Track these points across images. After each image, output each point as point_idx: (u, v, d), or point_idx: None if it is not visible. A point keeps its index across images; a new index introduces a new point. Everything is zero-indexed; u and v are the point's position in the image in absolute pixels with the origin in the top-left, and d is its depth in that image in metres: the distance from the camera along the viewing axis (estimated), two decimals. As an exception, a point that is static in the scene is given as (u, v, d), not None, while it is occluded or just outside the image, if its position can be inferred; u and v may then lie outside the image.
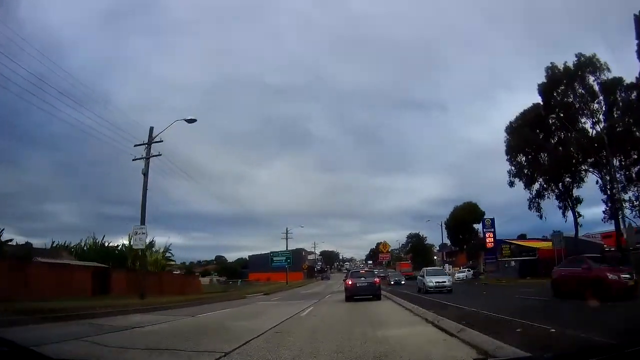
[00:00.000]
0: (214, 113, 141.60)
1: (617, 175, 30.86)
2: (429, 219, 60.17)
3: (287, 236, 55.19)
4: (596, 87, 31.66)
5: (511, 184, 34.98)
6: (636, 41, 27.19)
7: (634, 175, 30.84)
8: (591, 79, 31.65)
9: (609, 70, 31.26)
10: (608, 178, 31.50)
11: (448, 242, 62.35)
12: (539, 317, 7.67)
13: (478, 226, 47.34)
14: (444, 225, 48.63)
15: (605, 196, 32.60)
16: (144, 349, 6.02)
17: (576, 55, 32.15)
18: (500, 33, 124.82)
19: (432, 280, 24.17)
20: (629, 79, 30.51)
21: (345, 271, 76.74)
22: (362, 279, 19.99)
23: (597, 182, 33.10)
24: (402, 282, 38.63)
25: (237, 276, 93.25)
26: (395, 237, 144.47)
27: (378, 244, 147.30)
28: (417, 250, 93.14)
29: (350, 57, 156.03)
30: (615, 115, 31.13)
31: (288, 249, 60.05)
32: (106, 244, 29.17)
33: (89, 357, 5.44)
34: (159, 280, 28.29)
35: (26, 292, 15.34)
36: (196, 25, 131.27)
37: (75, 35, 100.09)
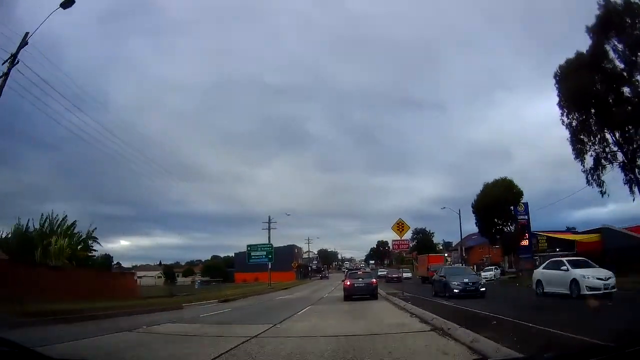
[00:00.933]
0: (214, 113, 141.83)
1: None
2: (444, 207, 51.07)
3: (269, 226, 45.89)
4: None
5: (579, 152, 24.99)
6: None
7: None
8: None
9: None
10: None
11: (469, 233, 54.25)
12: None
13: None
14: (467, 211, 40.50)
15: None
16: None
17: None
18: (500, 33, 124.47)
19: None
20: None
21: (345, 270, 73.64)
22: (360, 279, 20.70)
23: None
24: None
25: (222, 276, 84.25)
26: (394, 237, 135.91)
27: (379, 243, 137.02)
28: (424, 247, 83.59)
29: (350, 57, 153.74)
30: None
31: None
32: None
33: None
34: (65, 278, 19.18)
35: None
36: (195, 25, 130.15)
37: (73, 35, 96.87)
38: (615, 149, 24.18)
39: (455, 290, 18.12)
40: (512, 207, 33.79)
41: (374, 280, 20.79)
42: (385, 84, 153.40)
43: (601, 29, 25.16)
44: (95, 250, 25.71)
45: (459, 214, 50.39)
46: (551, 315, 10.31)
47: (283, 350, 6.30)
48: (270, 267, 44.47)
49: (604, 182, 25.14)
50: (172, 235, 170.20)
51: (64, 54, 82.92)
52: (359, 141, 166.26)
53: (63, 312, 11.41)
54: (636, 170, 24.89)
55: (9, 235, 22.57)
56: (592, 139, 24.25)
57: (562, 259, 17.50)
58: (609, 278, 14.67)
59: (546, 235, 41.34)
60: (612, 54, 24.75)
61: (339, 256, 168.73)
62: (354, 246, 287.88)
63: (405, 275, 42.27)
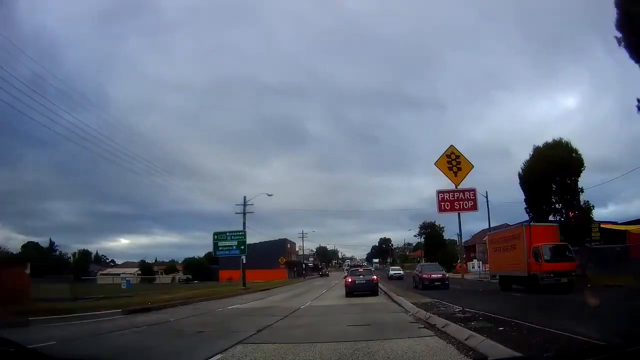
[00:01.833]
0: (211, 112, 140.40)
1: None
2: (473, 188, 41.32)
3: (244, 209, 36.44)
4: None
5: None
6: None
7: None
8: None
9: None
10: None
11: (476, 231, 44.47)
12: None
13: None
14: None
15: None
16: None
17: None
18: (498, 32, 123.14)
19: None
20: None
21: (347, 267, 70.82)
22: (361, 276, 20.73)
23: None
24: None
25: (204, 274, 75.01)
26: (394, 237, 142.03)
27: (381, 240, 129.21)
28: (433, 244, 73.94)
29: (347, 56, 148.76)
30: None
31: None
32: None
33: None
34: None
35: None
36: (191, 25, 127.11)
37: (71, 35, 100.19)
38: None
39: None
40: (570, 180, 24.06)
41: (375, 277, 21.12)
42: (384, 83, 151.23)
43: None
44: None
45: (487, 197, 41.14)
46: None
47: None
48: (244, 260, 35.20)
49: None
50: (172, 234, 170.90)
51: (64, 54, 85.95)
52: (358, 141, 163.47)
53: None
54: None
55: None
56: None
57: None
58: None
59: (599, 224, 31.92)
60: None
61: (340, 254, 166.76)
62: (354, 245, 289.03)
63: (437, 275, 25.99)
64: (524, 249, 18.70)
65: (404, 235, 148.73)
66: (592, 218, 26.29)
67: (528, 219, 25.67)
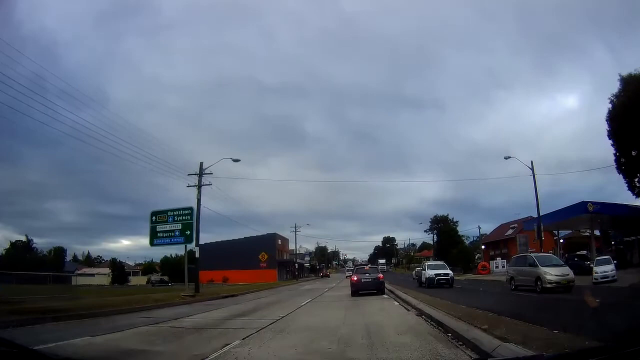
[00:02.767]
0: (211, 112, 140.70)
1: None
2: (508, 156, 31.49)
3: (199, 181, 26.11)
4: None
5: None
6: None
7: None
8: None
9: None
10: None
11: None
12: None
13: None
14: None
15: None
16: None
17: None
18: (498, 33, 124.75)
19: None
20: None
21: (352, 267, 64.09)
22: (367, 274, 19.96)
23: None
24: None
25: (183, 275, 64.64)
26: (396, 238, 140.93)
27: (385, 239, 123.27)
28: (446, 240, 63.49)
29: (349, 57, 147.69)
30: None
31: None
32: None
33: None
34: None
35: None
36: (190, 25, 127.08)
37: (69, 35, 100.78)
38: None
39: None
40: None
41: (381, 275, 20.48)
42: (384, 83, 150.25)
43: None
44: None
45: (532, 168, 31.29)
46: None
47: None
48: (196, 254, 25.36)
49: None
50: None
51: (63, 54, 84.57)
52: (358, 141, 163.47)
53: None
54: None
55: None
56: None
57: None
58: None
59: None
60: None
61: (341, 256, 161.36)
62: (355, 247, 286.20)
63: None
64: None
65: (406, 236, 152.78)
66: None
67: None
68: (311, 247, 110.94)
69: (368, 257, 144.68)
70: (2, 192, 77.75)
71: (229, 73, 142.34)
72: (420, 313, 10.56)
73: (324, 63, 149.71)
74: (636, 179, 18.50)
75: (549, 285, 15.66)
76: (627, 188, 20.33)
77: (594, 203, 24.70)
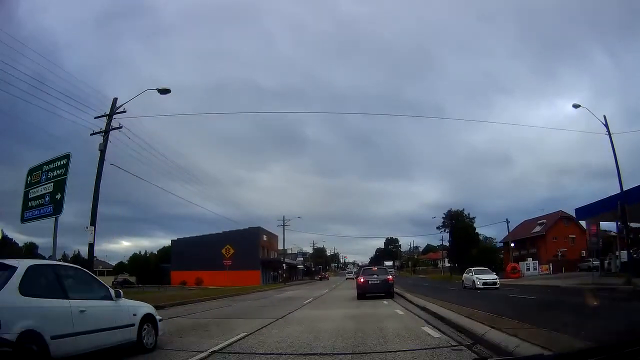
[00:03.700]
0: (211, 116, 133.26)
1: None
2: (578, 105, 22.25)
3: (109, 121, 15.11)
4: None
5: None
6: None
7: None
8: None
9: None
10: None
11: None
12: None
13: None
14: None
15: None
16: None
17: None
18: (498, 37, 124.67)
19: None
20: None
21: (357, 268, 63.35)
22: (375, 276, 18.33)
23: None
24: None
25: (153, 275, 54.85)
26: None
27: (387, 240, 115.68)
28: (461, 239, 53.18)
29: (348, 61, 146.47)
30: None
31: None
32: None
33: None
34: None
35: None
36: (190, 30, 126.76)
37: (69, 37, 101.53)
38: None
39: None
40: None
41: (390, 277, 18.89)
42: (384, 87, 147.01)
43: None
44: None
45: (609, 133, 21.92)
46: None
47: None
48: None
49: None
50: (173, 236, 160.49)
51: (62, 55, 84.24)
52: (358, 146, 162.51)
53: None
54: None
55: None
56: None
57: None
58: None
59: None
60: None
61: (341, 258, 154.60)
62: (354, 251, 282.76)
63: None
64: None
65: (406, 241, 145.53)
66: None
67: None
68: (309, 250, 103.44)
69: (369, 260, 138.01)
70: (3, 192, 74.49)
71: (228, 77, 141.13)
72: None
73: (324, 67, 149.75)
74: None
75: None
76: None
77: None
